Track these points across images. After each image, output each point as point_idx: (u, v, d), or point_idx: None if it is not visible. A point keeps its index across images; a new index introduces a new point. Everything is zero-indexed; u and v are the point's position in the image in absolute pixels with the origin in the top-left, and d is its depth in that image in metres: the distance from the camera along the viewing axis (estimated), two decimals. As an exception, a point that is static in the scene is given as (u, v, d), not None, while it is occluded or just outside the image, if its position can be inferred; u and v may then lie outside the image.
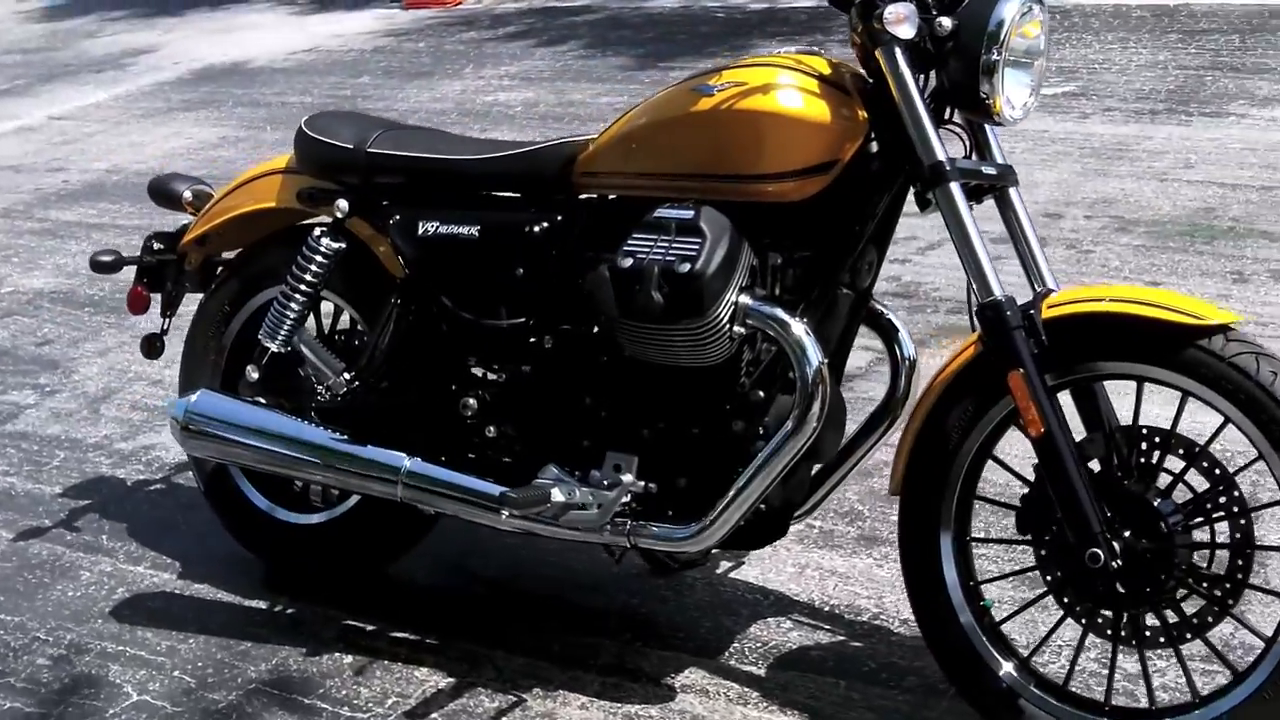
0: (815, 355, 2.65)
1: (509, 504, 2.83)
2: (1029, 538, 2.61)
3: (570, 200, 2.93)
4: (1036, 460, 2.53)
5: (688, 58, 8.06)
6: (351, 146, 3.07)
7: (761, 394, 2.75)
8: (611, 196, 2.88)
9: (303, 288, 3.14)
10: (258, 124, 7.74)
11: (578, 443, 2.91)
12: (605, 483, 2.83)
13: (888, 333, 2.96)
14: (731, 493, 2.72)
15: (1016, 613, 2.78)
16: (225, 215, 3.32)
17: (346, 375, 3.13)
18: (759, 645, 3.06)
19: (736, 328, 2.68)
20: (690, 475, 2.81)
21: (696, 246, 2.62)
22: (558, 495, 2.81)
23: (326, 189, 3.13)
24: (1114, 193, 5.49)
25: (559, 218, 2.91)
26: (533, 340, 2.95)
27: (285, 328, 3.16)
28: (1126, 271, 4.77)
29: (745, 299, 2.67)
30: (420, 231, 3.02)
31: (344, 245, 3.12)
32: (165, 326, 3.53)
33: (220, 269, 3.45)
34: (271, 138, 7.17)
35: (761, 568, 3.31)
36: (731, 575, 3.30)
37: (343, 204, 3.09)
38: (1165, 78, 6.87)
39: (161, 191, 3.52)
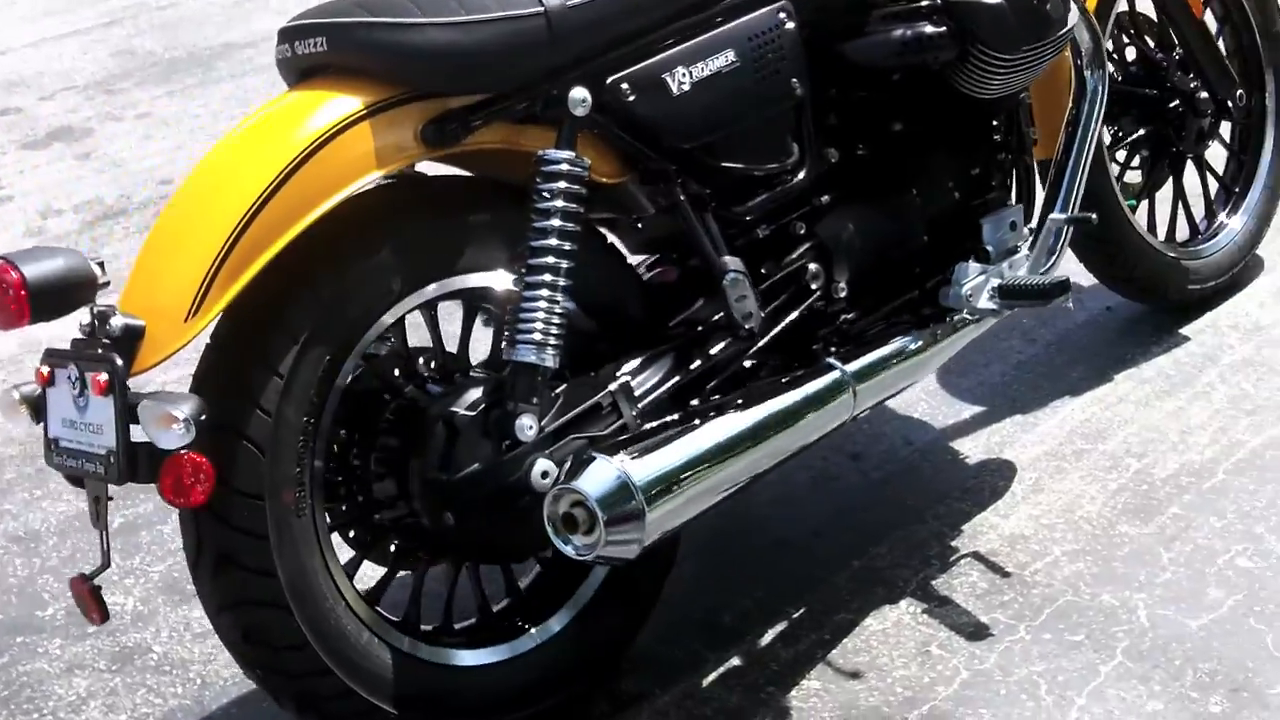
0: None
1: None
2: None
3: None
4: None
5: None
6: (543, 9, 2.04)
7: None
8: None
9: (565, 245, 2.05)
10: None
11: (955, 227, 2.58)
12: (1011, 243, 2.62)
13: None
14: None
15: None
16: (269, 247, 1.90)
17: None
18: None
19: None
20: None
21: None
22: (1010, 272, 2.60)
23: (474, 106, 2.04)
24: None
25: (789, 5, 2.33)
26: (837, 161, 2.46)
27: (555, 326, 2.05)
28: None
29: None
30: (676, 89, 2.18)
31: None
32: (106, 546, 1.95)
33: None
34: None
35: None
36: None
37: (584, 94, 2.08)
38: None
39: (61, 283, 1.83)
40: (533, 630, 2.25)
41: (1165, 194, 3.24)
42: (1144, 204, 3.17)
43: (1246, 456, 2.80)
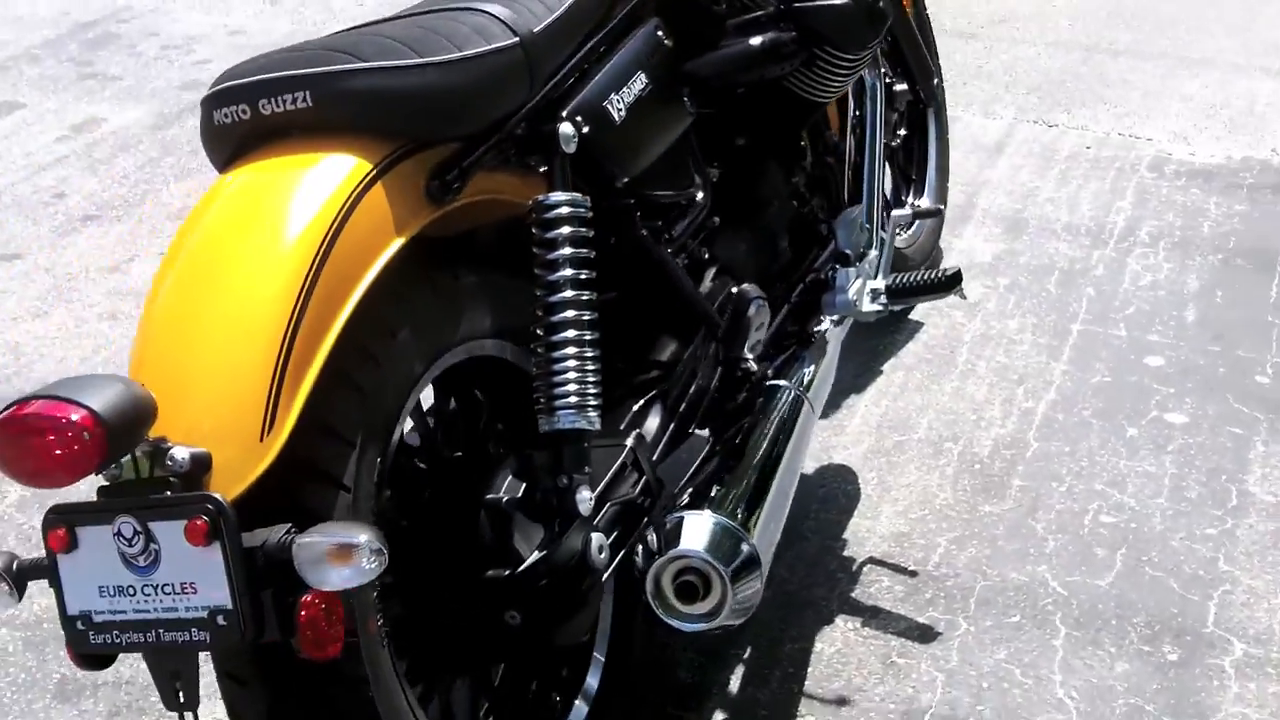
0: None
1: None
2: None
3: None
4: None
5: None
6: (518, 39, 1.82)
7: None
8: None
9: (583, 295, 1.84)
10: None
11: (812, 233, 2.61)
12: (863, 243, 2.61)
13: None
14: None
15: None
16: (325, 340, 1.58)
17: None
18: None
19: None
20: None
21: None
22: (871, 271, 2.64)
23: (464, 152, 1.78)
24: None
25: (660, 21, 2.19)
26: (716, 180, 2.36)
27: (591, 385, 1.83)
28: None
29: None
30: (617, 117, 1.99)
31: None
32: None
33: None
34: None
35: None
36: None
37: (571, 129, 1.89)
38: None
39: (132, 415, 1.42)
40: None
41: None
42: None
43: (1043, 423, 2.94)
